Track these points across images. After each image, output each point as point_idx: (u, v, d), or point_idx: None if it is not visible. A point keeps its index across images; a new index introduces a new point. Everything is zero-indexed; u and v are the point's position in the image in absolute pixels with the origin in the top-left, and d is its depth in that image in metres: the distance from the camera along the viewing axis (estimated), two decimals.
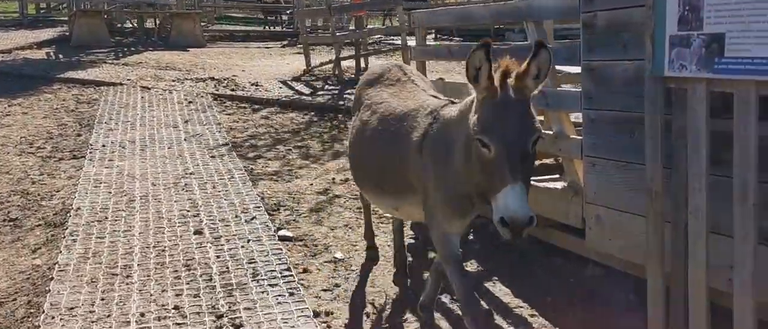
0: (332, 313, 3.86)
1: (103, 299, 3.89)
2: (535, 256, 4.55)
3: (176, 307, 3.79)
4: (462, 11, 5.76)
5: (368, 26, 17.04)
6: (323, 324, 3.69)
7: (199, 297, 3.93)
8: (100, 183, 6.06)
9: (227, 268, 4.32)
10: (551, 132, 4.20)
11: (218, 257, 4.49)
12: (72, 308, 3.78)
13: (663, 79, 3.04)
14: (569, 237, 4.27)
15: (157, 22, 19.21)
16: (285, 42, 20.23)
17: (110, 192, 5.82)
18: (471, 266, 4.52)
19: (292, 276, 4.21)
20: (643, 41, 3.32)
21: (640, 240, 3.49)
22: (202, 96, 10.36)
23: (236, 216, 5.26)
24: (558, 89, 4.18)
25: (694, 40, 2.83)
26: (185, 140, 7.77)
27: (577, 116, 4.29)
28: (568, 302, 3.94)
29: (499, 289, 4.18)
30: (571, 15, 3.99)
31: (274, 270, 4.29)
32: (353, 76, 12.60)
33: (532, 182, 2.83)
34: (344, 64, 12.89)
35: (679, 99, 3.07)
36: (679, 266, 3.17)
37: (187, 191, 5.88)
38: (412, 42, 6.24)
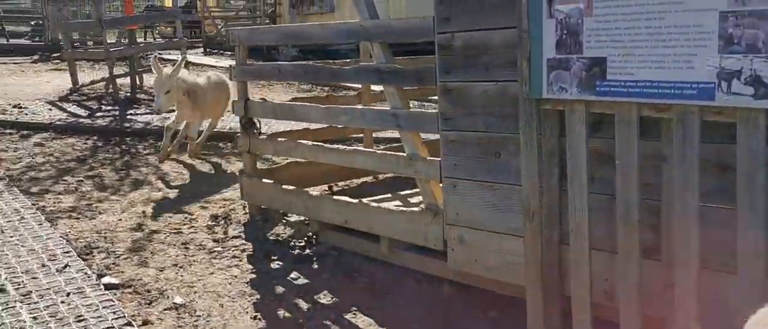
0: None
1: None
2: (387, 281, 4.48)
3: None
4: (294, 30, 5.53)
5: (139, 41, 15.93)
6: None
7: None
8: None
9: None
10: (405, 154, 4.17)
11: (35, 319, 3.80)
12: None
13: (537, 101, 3.13)
14: (426, 259, 4.27)
15: None
16: (36, 57, 18.25)
17: None
18: (325, 298, 4.32)
19: None
20: (506, 63, 3.41)
21: (510, 259, 3.58)
22: None
23: (43, 265, 4.52)
24: (412, 110, 4.16)
25: (574, 63, 2.94)
26: None
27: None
28: (434, 325, 3.92)
29: (361, 320, 4.03)
30: (422, 36, 3.98)
31: (112, 327, 3.73)
32: (129, 94, 11.68)
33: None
34: (118, 81, 11.88)
35: (551, 120, 3.18)
36: (555, 282, 3.29)
37: None
38: (225, 62, 5.87)
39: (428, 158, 4.05)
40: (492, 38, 3.46)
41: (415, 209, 4.20)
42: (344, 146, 4.85)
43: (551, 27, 2.99)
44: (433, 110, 3.99)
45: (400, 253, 4.40)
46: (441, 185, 3.95)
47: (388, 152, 4.61)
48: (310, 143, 5.06)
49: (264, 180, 5.39)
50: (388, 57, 4.18)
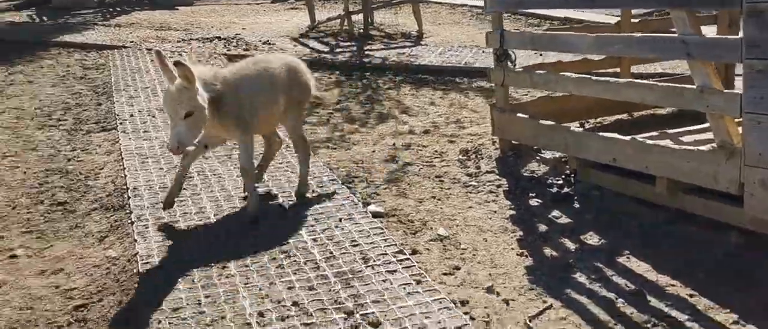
0: (467, 302, 3.42)
1: (207, 296, 3.40)
2: (661, 225, 4.15)
3: (295, 303, 3.32)
4: None
5: None
6: (465, 316, 3.24)
7: (315, 289, 3.45)
8: (146, 158, 5.49)
9: (331, 253, 3.84)
10: (694, 86, 3.76)
11: (315, 240, 4.01)
12: (177, 309, 3.28)
13: None
14: (714, 204, 3.86)
15: None
16: None
17: (161, 168, 5.26)
18: (592, 239, 4.10)
19: (409, 259, 3.75)
20: None
21: None
22: (215, 57, 9.71)
23: (313, 191, 4.76)
24: (705, 36, 3.72)
25: None
26: None
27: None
28: (725, 277, 3.55)
29: (637, 265, 3.77)
30: None
31: (385, 254, 3.82)
32: (361, 30, 11.99)
33: None
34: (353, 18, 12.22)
35: None
36: None
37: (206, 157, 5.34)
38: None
39: (725, 90, 3.61)
40: None
41: (704, 148, 3.79)
42: (614, 79, 4.50)
43: None
44: (733, 37, 3.53)
45: (680, 196, 4.03)
46: (739, 121, 3.52)
47: (672, 84, 4.19)
48: (573, 75, 4.78)
49: (518, 115, 5.21)
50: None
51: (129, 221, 4.36)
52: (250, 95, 4.25)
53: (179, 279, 3.57)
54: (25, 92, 7.95)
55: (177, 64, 3.72)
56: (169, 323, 3.17)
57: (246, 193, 4.49)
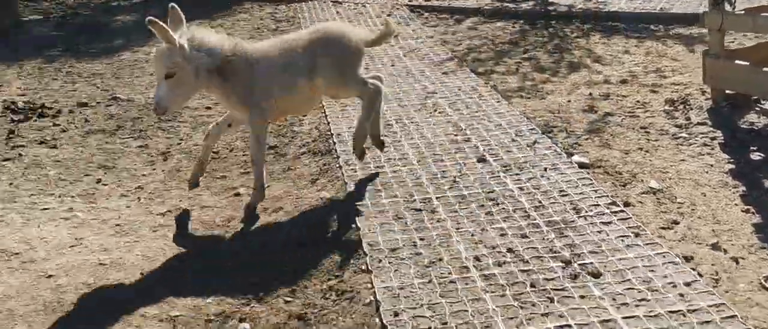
0: (692, 258, 3.24)
1: (422, 239, 3.48)
2: None
3: (510, 250, 3.31)
4: None
5: None
6: (693, 272, 3.08)
7: (528, 237, 3.43)
8: (345, 106, 5.68)
9: (540, 202, 3.78)
10: None
11: (521, 189, 3.97)
12: (394, 249, 3.39)
13: None
14: None
15: None
16: None
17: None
18: None
19: (623, 211, 3.62)
20: None
21: None
22: (397, 8, 9.80)
23: (513, 140, 4.70)
24: None
25: None
26: (405, 56, 7.26)
27: None
28: None
29: None
30: None
31: (597, 205, 3.71)
32: None
33: None
34: None
35: None
36: None
37: (440, 113, 5.37)
38: None
39: None
40: None
41: None
42: None
43: None
44: None
45: None
46: None
47: None
48: None
49: (736, 62, 4.81)
50: None
51: (337, 165, 4.55)
52: (267, 76, 3.96)
53: (392, 221, 3.68)
54: None
55: (150, 22, 3.57)
56: (389, 262, 3.29)
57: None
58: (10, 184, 4.53)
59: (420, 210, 3.79)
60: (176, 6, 3.80)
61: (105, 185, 4.54)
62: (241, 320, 3.03)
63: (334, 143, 4.88)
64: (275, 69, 3.99)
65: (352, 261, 3.37)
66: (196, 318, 3.06)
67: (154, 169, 4.80)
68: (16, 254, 3.59)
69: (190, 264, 3.54)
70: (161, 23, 3.60)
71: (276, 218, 3.98)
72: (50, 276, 3.38)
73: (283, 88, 4.02)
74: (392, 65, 6.92)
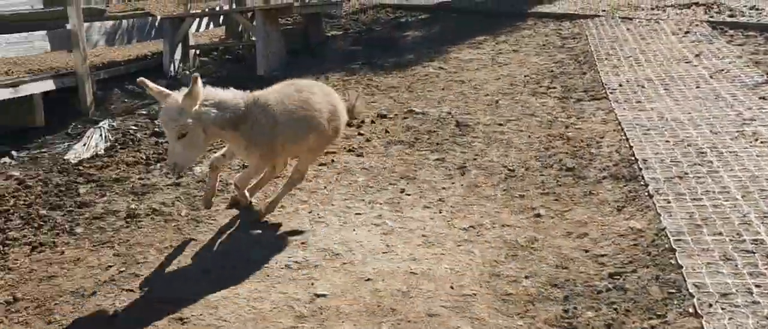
0: None
1: (758, 286, 3.10)
2: None
3: None
4: None
5: None
6: None
7: None
8: (648, 130, 5.34)
9: None
10: None
11: None
12: (726, 294, 3.07)
13: None
14: None
15: None
16: None
17: (666, 141, 5.06)
18: None
19: None
20: None
21: None
22: (696, 25, 9.07)
23: None
24: None
25: None
26: (711, 77, 6.66)
27: None
28: None
29: None
30: None
31: None
32: None
33: None
34: None
35: None
36: None
37: (762, 142, 4.81)
38: None
39: None
40: None
41: None
42: None
43: None
44: None
45: None
46: None
47: None
48: None
49: None
50: None
51: (645, 193, 4.27)
52: (287, 129, 4.02)
53: (720, 262, 3.34)
54: (512, 61, 8.51)
55: (141, 82, 3.73)
56: (721, 308, 2.97)
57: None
58: (325, 187, 4.93)
59: (752, 252, 3.39)
60: (198, 76, 3.71)
61: (408, 195, 4.74)
62: None
63: (640, 170, 4.60)
64: (295, 123, 4.07)
65: (675, 302, 3.11)
66: None
67: (452, 182, 4.91)
68: (337, 255, 3.87)
69: (494, 285, 3.53)
70: (151, 84, 3.73)
71: (580, 245, 3.83)
72: (368, 280, 3.58)
73: (300, 141, 4.16)
74: (697, 87, 6.38)
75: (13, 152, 6.24)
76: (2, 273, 3.91)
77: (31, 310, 3.49)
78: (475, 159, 5.33)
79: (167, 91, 3.74)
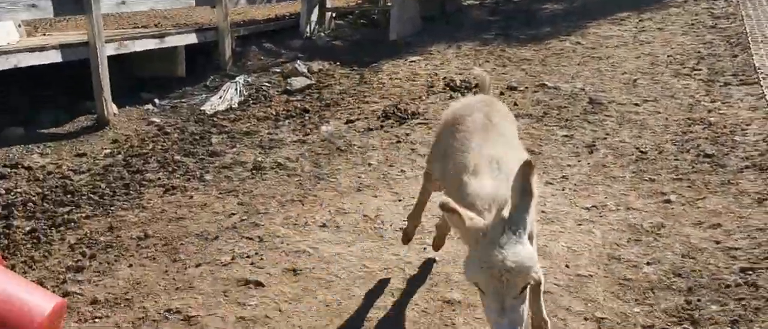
0: None
1: None
2: None
3: None
4: None
5: None
6: None
7: None
8: None
9: None
10: None
11: None
12: None
13: None
14: None
15: None
16: None
17: None
18: None
19: None
20: None
21: None
22: None
23: None
24: None
25: None
26: None
27: None
28: None
29: None
30: None
31: None
32: None
33: None
34: None
35: None
36: None
37: None
38: None
39: None
40: None
41: None
42: None
43: None
44: None
45: None
46: None
47: None
48: None
49: None
50: None
51: None
52: None
53: None
54: (656, 39, 8.04)
55: (444, 207, 2.07)
56: None
57: None
58: None
59: None
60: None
61: None
62: None
63: None
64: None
65: None
66: (622, 325, 2.90)
67: (579, 160, 4.73)
68: None
69: (613, 268, 3.37)
70: (461, 210, 2.05)
71: (712, 235, 3.57)
72: None
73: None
74: None
75: (156, 100, 6.65)
76: (137, 211, 4.20)
77: (159, 247, 3.72)
78: (605, 138, 5.10)
79: (480, 221, 2.07)
